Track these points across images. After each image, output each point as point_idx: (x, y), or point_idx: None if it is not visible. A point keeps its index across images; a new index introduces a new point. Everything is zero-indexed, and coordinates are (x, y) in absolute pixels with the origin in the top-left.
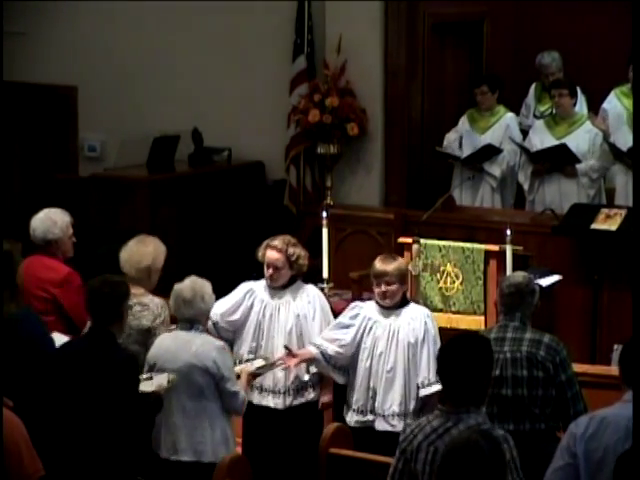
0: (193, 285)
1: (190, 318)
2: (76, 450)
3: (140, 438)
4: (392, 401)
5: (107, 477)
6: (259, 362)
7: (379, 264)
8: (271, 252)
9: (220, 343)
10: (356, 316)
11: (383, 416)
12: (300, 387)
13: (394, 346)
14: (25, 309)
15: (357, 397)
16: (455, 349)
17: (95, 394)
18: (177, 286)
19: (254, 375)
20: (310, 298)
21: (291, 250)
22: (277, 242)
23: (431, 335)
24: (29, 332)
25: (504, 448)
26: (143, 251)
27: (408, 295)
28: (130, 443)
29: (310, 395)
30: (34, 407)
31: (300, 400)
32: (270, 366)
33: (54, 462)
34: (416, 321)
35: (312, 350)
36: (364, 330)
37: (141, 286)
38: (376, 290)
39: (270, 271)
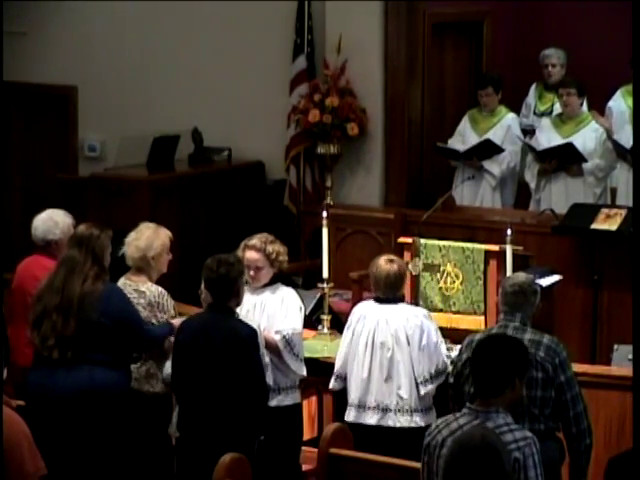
0: None
1: None
2: (205, 411)
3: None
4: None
5: (233, 439)
6: None
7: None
8: (250, 252)
9: None
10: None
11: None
12: (276, 388)
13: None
14: (110, 286)
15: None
16: (490, 348)
17: (222, 365)
18: None
19: None
20: (284, 297)
21: (270, 248)
22: (255, 241)
23: None
24: (118, 303)
25: (527, 452)
26: (136, 243)
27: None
28: (254, 405)
29: (286, 399)
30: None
31: (276, 402)
32: None
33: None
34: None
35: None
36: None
37: (144, 274)
38: None
39: (252, 272)
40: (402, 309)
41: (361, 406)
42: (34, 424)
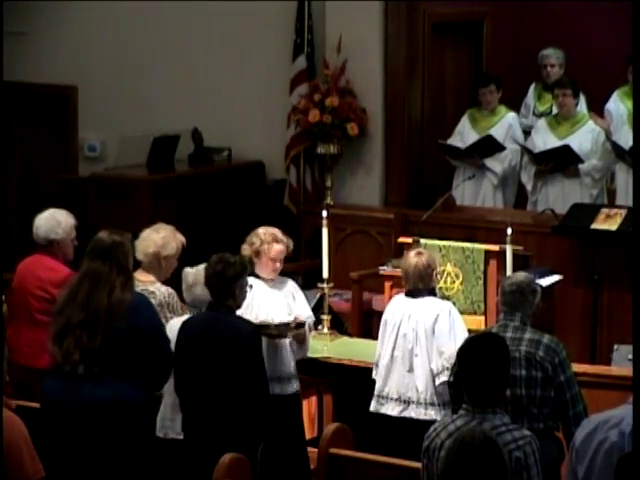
0: (196, 272)
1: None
2: (209, 410)
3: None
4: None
5: (236, 441)
6: None
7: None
8: (280, 245)
9: None
10: None
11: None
12: (281, 377)
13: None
14: (139, 296)
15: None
16: (475, 349)
17: (224, 362)
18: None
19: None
20: (293, 287)
21: (289, 242)
22: (281, 235)
23: None
24: (146, 316)
25: (527, 450)
26: (153, 237)
27: None
28: (257, 401)
29: (290, 388)
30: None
31: (278, 391)
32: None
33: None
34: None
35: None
36: None
37: (152, 274)
38: None
39: (277, 265)
40: (426, 302)
41: (382, 397)
42: (52, 433)
